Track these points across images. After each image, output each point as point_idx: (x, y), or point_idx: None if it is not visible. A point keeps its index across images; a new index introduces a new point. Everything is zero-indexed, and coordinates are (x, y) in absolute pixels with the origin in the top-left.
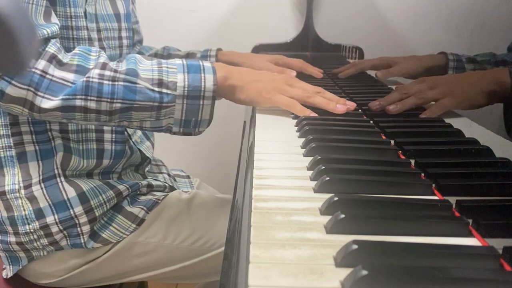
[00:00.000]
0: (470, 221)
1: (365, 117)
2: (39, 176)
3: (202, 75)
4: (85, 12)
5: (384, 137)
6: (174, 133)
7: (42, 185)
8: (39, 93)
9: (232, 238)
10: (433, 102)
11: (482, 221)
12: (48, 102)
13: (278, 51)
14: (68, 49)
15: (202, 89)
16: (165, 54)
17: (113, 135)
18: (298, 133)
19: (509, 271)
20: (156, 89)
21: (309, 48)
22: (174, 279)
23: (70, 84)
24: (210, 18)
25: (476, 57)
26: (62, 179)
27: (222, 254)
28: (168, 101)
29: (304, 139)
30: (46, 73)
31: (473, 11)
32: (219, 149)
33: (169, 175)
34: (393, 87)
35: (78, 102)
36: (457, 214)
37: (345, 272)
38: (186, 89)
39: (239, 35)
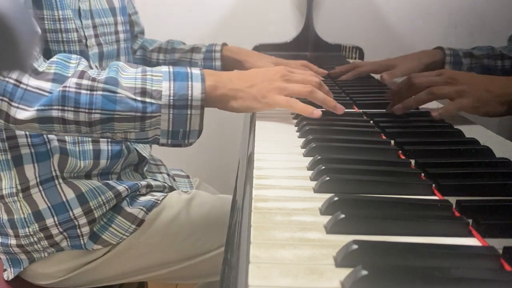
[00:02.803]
0: (470, 221)
1: (365, 117)
2: (36, 178)
3: (189, 83)
4: (79, 10)
5: (384, 137)
6: (163, 145)
7: (40, 187)
8: (14, 103)
9: (232, 238)
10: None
11: (482, 221)
12: (23, 113)
13: (278, 51)
14: (58, 53)
15: (189, 97)
16: (169, 47)
17: None
18: (298, 133)
19: (509, 271)
20: (139, 98)
21: (309, 48)
22: (174, 279)
23: (46, 94)
24: (209, 17)
25: (474, 51)
26: (60, 181)
27: (222, 254)
28: (152, 111)
29: (304, 139)
30: (20, 82)
31: (473, 11)
32: (219, 149)
33: (168, 175)
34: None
35: (55, 113)
36: (457, 214)
37: (345, 272)
38: (171, 98)
39: (239, 35)
